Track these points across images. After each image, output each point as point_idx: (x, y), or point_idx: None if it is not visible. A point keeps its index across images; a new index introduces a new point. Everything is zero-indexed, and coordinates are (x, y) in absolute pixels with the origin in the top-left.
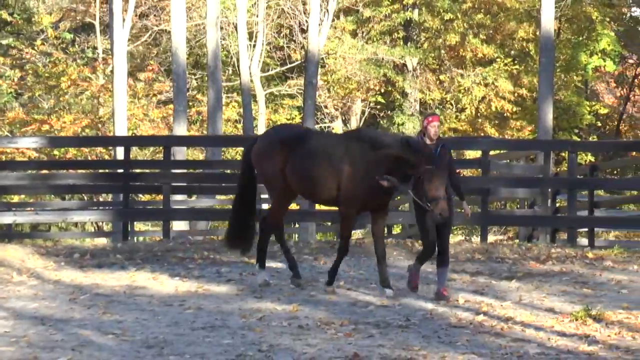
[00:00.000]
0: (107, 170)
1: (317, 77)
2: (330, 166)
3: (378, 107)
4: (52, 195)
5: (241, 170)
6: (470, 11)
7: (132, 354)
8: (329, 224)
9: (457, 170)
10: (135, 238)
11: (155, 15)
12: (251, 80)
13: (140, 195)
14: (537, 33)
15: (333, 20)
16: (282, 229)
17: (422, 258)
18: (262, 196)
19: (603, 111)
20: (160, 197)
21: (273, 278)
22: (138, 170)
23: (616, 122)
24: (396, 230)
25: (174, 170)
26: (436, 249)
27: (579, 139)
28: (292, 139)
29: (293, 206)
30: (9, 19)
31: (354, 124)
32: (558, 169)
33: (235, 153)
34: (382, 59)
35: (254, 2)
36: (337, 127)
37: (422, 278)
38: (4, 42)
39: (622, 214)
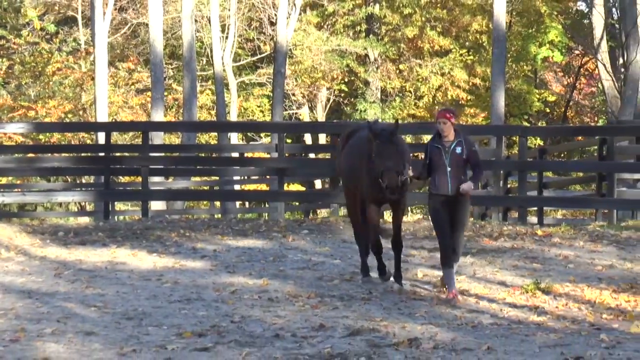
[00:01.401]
0: (89, 154)
1: (286, 67)
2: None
3: (342, 95)
4: (38, 177)
5: None
6: (428, 6)
7: (113, 325)
8: (297, 203)
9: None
10: (115, 217)
11: (134, 9)
12: (224, 70)
13: (121, 177)
14: (490, 26)
15: (300, 13)
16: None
17: (443, 259)
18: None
19: (551, 99)
20: (139, 178)
21: (244, 255)
22: (118, 154)
23: (563, 109)
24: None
25: (152, 154)
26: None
27: (528, 125)
28: (348, 133)
29: (263, 187)
30: None
31: (319, 110)
32: (509, 152)
33: (208, 138)
34: (346, 50)
35: None
36: (304, 114)
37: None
38: None
39: (569, 194)
